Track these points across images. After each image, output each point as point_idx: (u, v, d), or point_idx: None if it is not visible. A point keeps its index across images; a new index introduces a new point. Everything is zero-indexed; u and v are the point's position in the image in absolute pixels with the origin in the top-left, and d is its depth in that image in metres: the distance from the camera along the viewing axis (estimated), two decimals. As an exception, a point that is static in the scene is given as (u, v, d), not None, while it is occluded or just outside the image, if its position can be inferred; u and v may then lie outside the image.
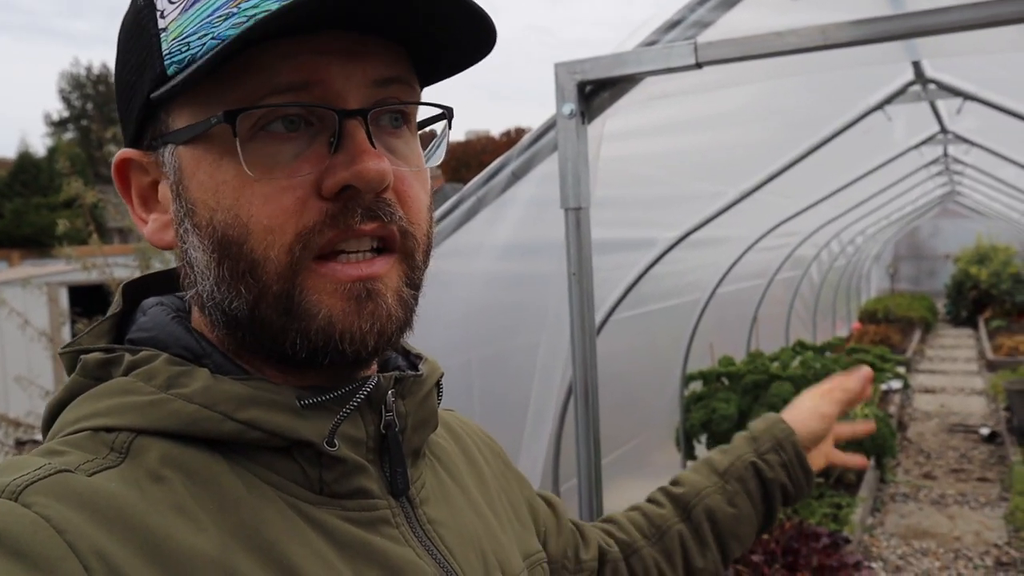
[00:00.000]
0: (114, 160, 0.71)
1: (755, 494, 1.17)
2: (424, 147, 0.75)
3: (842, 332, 11.74)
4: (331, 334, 0.64)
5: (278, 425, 0.64)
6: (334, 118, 0.64)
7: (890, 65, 3.03)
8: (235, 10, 0.62)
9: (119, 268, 6.05)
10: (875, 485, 5.87)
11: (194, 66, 0.62)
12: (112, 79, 0.75)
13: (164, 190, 0.70)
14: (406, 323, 0.69)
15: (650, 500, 1.19)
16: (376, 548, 0.67)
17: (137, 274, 0.78)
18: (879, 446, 5.42)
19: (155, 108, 0.67)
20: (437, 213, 2.12)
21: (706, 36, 1.69)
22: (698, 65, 1.56)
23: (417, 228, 0.69)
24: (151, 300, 0.74)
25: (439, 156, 0.76)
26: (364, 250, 0.66)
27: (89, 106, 46.33)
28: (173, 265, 0.75)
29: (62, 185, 6.06)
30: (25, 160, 30.08)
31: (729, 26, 1.68)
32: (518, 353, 2.30)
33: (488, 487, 0.89)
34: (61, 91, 48.13)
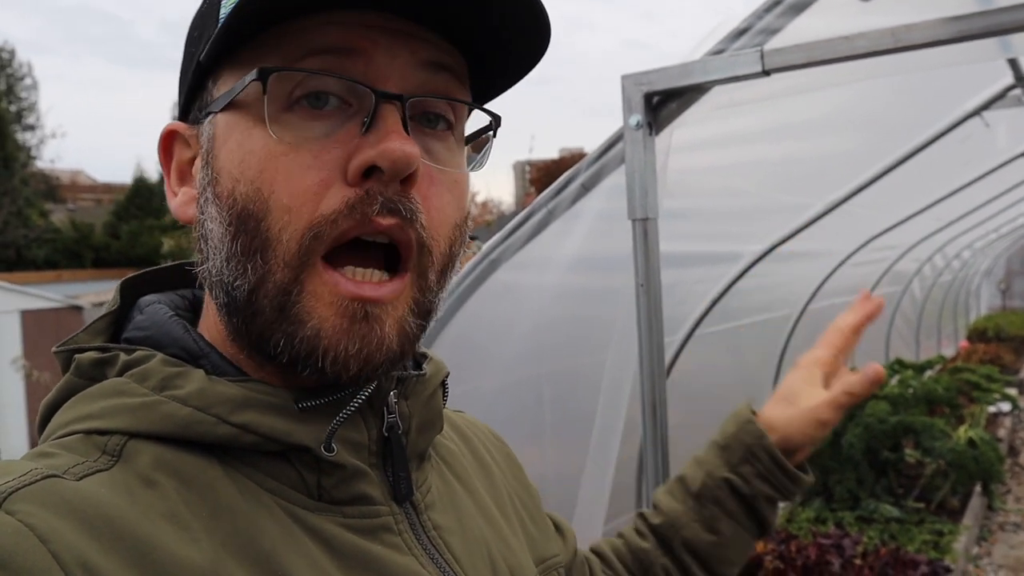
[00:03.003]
0: (161, 132, 0.70)
1: (737, 512, 1.05)
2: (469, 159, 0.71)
3: (948, 351, 11.17)
4: (315, 347, 0.61)
5: (273, 429, 0.62)
6: (371, 97, 0.60)
7: (988, 68, 2.88)
8: None
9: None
10: (981, 513, 5.54)
11: (223, 26, 0.59)
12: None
13: (198, 163, 0.67)
14: (400, 355, 0.64)
15: (635, 529, 1.10)
16: (376, 557, 0.64)
17: None
18: (985, 471, 5.12)
19: (203, 77, 0.66)
20: (509, 226, 2.14)
21: (774, 43, 1.66)
22: (765, 72, 1.53)
23: (436, 243, 0.65)
24: (149, 298, 0.71)
25: (483, 164, 0.72)
26: (374, 268, 0.63)
27: (198, 132, 48.45)
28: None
29: (170, 207, 6.41)
30: (140, 185, 31.81)
31: (797, 32, 1.64)
32: (588, 366, 2.28)
33: (499, 490, 0.85)
34: (173, 118, 50.63)
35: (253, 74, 0.60)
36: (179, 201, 0.70)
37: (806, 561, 3.72)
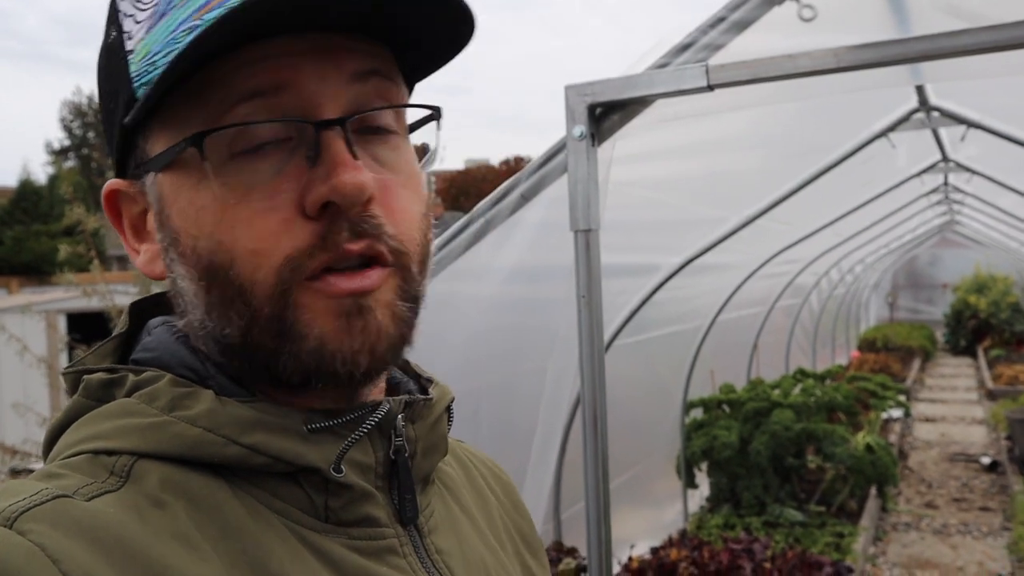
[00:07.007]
0: (103, 192, 0.69)
1: None
2: (420, 158, 0.71)
3: (841, 360, 11.71)
4: (323, 355, 0.62)
5: (283, 450, 0.61)
6: (310, 128, 0.61)
7: (894, 92, 3.04)
8: (199, 22, 0.59)
9: (119, 295, 6.05)
10: (877, 514, 5.82)
11: (151, 85, 0.59)
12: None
13: (151, 219, 0.67)
14: (401, 339, 0.65)
15: None
16: None
17: None
18: (881, 475, 5.38)
19: (132, 135, 0.65)
20: (445, 235, 2.12)
21: (717, 59, 1.70)
22: (710, 87, 1.56)
23: (409, 242, 0.65)
24: (157, 320, 0.71)
25: (432, 162, 0.72)
26: (353, 266, 0.63)
27: (90, 134, 46.27)
28: None
29: (63, 212, 6.09)
30: (26, 188, 30.22)
31: (740, 49, 1.68)
32: (525, 377, 2.28)
33: (495, 520, 0.85)
34: (62, 119, 48.11)
35: (187, 140, 0.60)
36: (144, 259, 0.69)
37: (719, 567, 3.81)
